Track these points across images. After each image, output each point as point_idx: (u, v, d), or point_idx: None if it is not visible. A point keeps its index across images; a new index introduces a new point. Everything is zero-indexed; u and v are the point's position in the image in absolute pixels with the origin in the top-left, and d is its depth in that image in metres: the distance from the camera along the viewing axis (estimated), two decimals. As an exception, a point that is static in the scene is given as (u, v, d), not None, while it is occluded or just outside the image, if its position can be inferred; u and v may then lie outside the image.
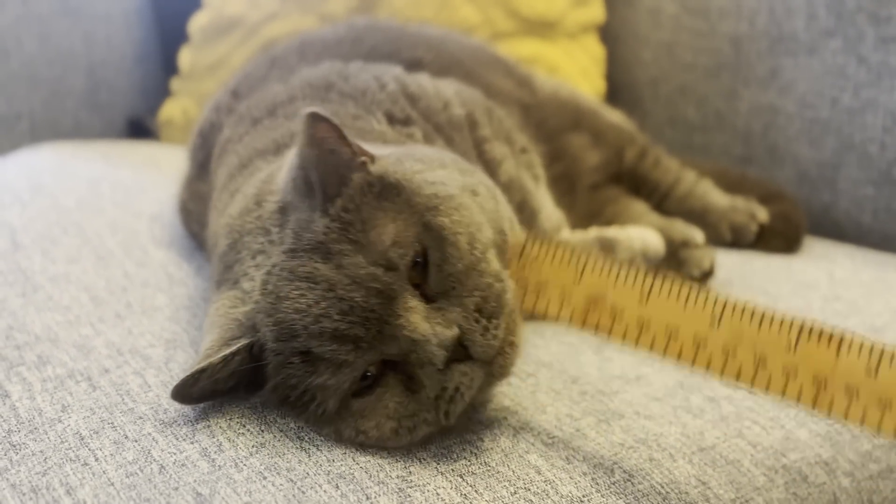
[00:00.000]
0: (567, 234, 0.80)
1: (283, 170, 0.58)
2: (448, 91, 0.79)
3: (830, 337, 0.48)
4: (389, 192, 0.53)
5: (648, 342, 0.51)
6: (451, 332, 0.50)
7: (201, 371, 0.52)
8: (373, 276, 0.50)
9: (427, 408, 0.52)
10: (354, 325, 0.50)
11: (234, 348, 0.52)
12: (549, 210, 0.80)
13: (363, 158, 0.54)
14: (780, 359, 0.48)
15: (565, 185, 0.84)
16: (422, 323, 0.50)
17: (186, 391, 0.53)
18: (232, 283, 0.57)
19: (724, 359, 0.49)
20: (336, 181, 0.53)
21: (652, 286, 0.52)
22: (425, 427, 0.52)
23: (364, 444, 0.53)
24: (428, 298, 0.52)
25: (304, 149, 0.53)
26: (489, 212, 0.56)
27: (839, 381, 0.47)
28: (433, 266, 0.52)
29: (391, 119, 0.73)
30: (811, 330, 0.48)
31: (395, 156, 0.57)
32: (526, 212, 0.75)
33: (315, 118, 0.51)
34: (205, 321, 0.58)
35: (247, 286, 0.55)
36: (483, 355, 0.51)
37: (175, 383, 0.52)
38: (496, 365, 0.52)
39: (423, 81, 0.79)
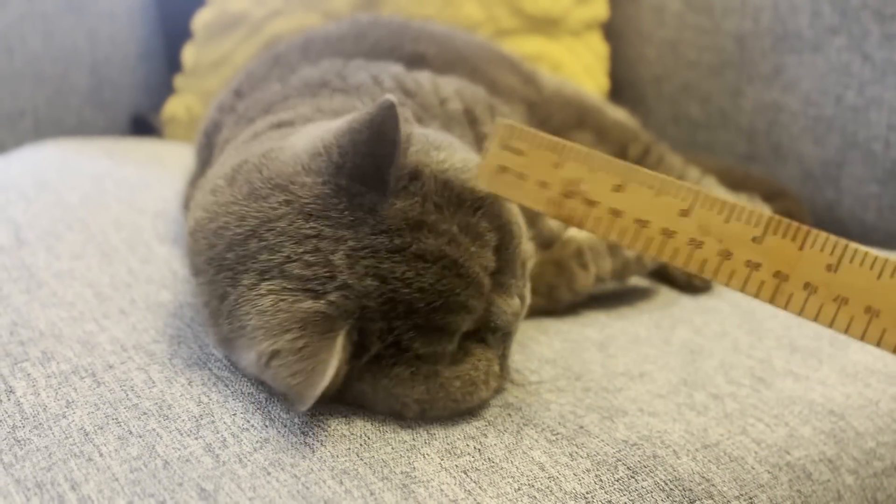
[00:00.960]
0: (574, 232, 0.80)
1: (320, 155, 0.56)
2: (448, 88, 0.78)
3: (797, 231, 0.48)
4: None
5: (618, 231, 0.52)
6: (518, 303, 0.59)
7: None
8: (479, 252, 0.56)
9: (494, 365, 0.59)
10: (473, 297, 0.55)
11: (341, 341, 0.51)
12: None
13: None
14: (744, 252, 0.48)
15: None
16: (497, 295, 0.57)
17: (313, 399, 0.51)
18: (262, 273, 0.54)
19: (690, 250, 0.50)
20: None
21: (628, 175, 0.52)
22: (494, 382, 0.59)
23: (452, 406, 0.57)
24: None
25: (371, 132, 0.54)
26: None
27: (800, 276, 0.47)
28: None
29: None
30: (779, 224, 0.48)
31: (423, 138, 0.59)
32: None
33: (389, 105, 0.53)
34: (248, 320, 0.54)
35: (305, 273, 0.53)
36: (524, 315, 0.61)
37: (303, 402, 0.50)
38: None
39: (421, 78, 0.78)
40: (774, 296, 0.47)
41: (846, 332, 0.46)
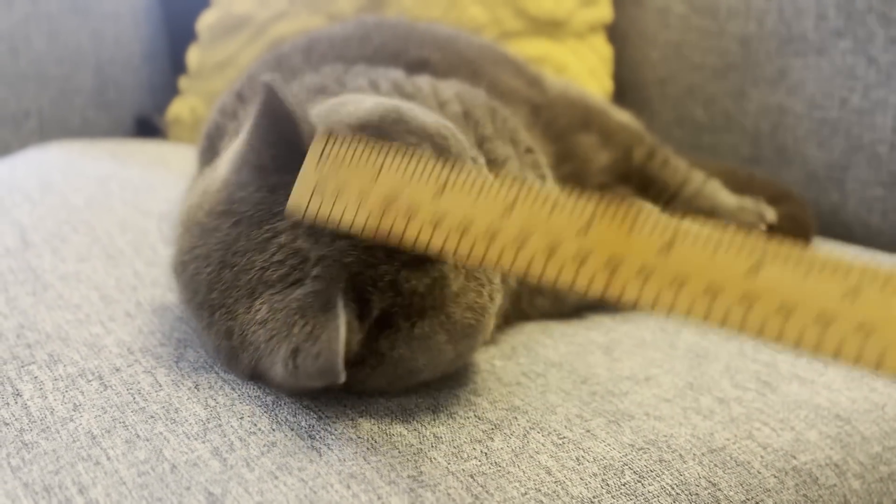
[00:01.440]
0: None
1: (242, 167, 0.59)
2: (447, 92, 0.78)
3: (624, 215, 0.44)
4: None
5: (441, 241, 0.48)
6: None
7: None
8: None
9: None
10: None
11: (340, 303, 0.52)
12: None
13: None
14: (572, 244, 0.45)
15: (574, 186, 0.84)
16: None
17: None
18: (249, 295, 0.56)
19: (515, 250, 0.46)
20: None
21: (448, 178, 0.48)
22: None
23: (471, 331, 0.58)
24: None
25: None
26: None
27: (632, 262, 0.44)
28: None
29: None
30: (605, 210, 0.45)
31: None
32: None
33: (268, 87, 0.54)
34: (260, 339, 0.55)
35: (282, 271, 0.55)
36: None
37: (335, 374, 0.50)
38: None
39: (420, 82, 0.78)
40: (607, 287, 0.44)
41: (688, 315, 0.42)
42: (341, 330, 0.50)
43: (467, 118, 0.75)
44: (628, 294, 0.43)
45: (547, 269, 0.45)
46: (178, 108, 1.31)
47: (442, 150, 0.58)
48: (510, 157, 0.75)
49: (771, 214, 0.97)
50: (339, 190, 0.51)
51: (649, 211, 0.45)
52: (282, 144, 0.55)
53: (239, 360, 0.57)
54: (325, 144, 0.52)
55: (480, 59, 0.94)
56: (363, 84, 0.76)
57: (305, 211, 0.52)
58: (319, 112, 0.60)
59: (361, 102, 0.61)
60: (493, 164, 0.74)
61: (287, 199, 0.53)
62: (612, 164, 0.96)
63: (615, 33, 1.33)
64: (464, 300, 0.57)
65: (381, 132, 0.57)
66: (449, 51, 0.92)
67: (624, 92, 1.32)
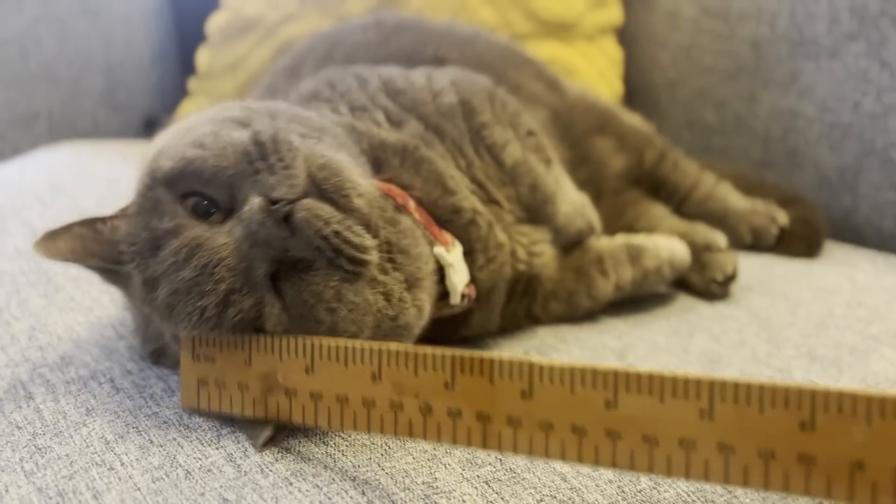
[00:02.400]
0: (594, 239, 0.80)
1: None
2: (443, 80, 0.76)
3: (482, 365, 0.45)
4: None
5: (325, 416, 0.50)
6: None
7: None
8: None
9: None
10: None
11: None
12: (567, 193, 0.78)
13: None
14: (442, 401, 0.46)
15: (590, 191, 0.83)
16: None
17: None
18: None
19: (393, 414, 0.48)
20: None
21: (314, 353, 0.50)
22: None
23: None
24: None
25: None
26: None
27: (500, 412, 0.45)
28: None
29: (353, 109, 0.71)
30: (463, 362, 0.46)
31: None
32: (538, 195, 0.74)
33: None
34: None
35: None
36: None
37: None
38: None
39: (415, 75, 0.76)
40: (485, 440, 0.45)
41: (563, 458, 0.44)
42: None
43: (463, 106, 0.74)
44: (504, 444, 0.45)
45: (427, 429, 0.47)
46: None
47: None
48: (510, 141, 0.74)
49: (783, 217, 0.97)
50: (221, 382, 0.53)
51: (504, 358, 0.45)
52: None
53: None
54: (193, 342, 0.54)
55: (501, 62, 0.93)
56: (351, 83, 0.74)
57: (198, 407, 0.55)
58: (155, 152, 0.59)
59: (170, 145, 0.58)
60: (493, 148, 0.73)
61: None
62: (626, 169, 0.96)
63: (625, 36, 1.32)
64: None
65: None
66: (468, 52, 0.91)
67: (634, 94, 1.32)
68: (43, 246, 0.56)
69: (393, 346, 0.48)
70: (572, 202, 0.78)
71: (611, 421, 0.42)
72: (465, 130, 0.73)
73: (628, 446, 0.42)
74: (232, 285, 0.51)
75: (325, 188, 0.53)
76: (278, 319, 0.52)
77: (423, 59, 0.85)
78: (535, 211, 0.74)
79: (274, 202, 0.51)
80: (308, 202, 0.52)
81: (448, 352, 0.46)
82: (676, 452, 0.41)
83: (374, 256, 0.54)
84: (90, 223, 0.57)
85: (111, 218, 0.57)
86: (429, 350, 0.47)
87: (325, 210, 0.52)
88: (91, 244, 0.57)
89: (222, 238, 0.52)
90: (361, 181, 0.55)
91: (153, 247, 0.53)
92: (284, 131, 0.56)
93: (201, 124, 0.58)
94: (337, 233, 0.52)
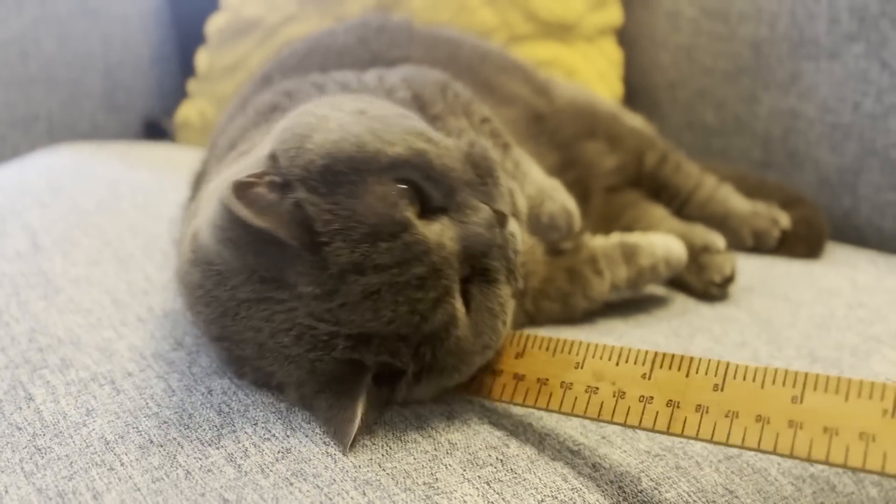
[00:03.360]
0: (588, 238, 0.80)
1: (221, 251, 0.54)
2: (393, 78, 0.76)
3: (681, 361, 0.52)
4: None
5: (522, 394, 0.57)
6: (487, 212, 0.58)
7: None
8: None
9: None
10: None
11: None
12: (530, 176, 0.76)
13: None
14: (636, 389, 0.52)
15: (578, 192, 0.83)
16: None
17: None
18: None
19: (587, 396, 0.54)
20: None
21: (526, 343, 0.59)
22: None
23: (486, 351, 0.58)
24: None
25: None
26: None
27: (691, 400, 0.50)
28: None
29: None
30: (663, 358, 0.52)
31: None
32: None
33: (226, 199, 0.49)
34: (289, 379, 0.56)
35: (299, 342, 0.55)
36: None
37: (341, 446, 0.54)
38: None
39: (368, 78, 0.76)
40: (670, 423, 0.50)
41: (742, 444, 0.47)
42: (356, 423, 0.52)
43: (416, 100, 0.73)
44: (688, 428, 0.49)
45: (616, 411, 0.52)
46: (187, 111, 1.31)
47: None
48: (464, 129, 0.74)
49: (785, 220, 0.97)
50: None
51: (702, 357, 0.51)
52: (258, 236, 0.51)
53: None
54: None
55: (485, 66, 0.93)
56: (309, 90, 0.73)
57: None
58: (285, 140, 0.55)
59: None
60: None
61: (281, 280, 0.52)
62: (620, 167, 0.95)
63: (625, 37, 1.32)
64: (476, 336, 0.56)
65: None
66: (451, 56, 0.91)
67: (634, 95, 1.32)
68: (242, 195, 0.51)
69: (598, 343, 0.56)
70: (537, 184, 0.76)
71: (794, 413, 0.47)
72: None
73: (808, 435, 0.46)
74: (450, 285, 0.52)
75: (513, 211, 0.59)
76: (465, 325, 0.54)
77: (388, 60, 0.84)
78: None
79: (495, 212, 0.55)
80: (512, 220, 0.57)
81: (651, 351, 0.53)
82: (855, 444, 0.44)
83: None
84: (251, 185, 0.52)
85: (266, 184, 0.52)
86: (632, 348, 0.54)
87: (518, 231, 0.58)
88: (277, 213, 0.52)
89: (447, 239, 0.52)
90: None
91: (370, 234, 0.50)
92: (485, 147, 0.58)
93: (369, 112, 0.56)
94: (516, 252, 0.57)
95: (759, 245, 0.96)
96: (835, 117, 1.09)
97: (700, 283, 0.83)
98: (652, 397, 0.51)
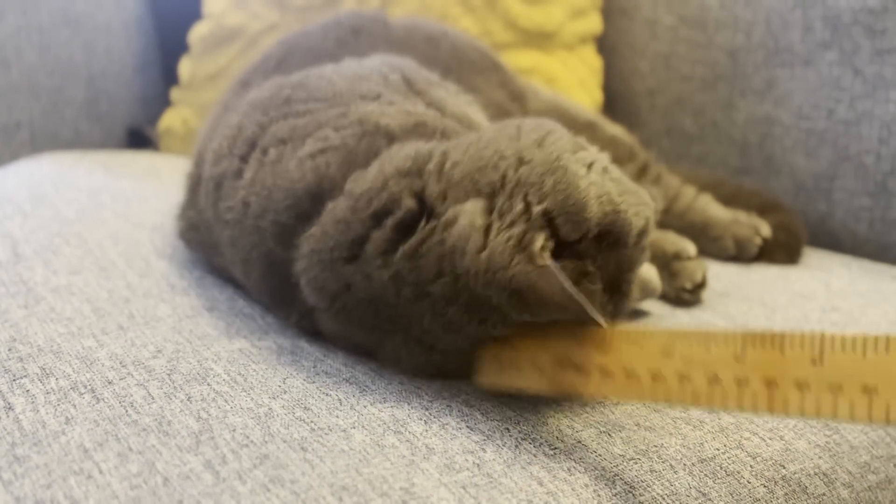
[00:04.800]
0: None
1: None
2: (375, 63, 0.78)
3: (773, 338, 0.48)
4: None
5: (613, 388, 0.54)
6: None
7: None
8: None
9: None
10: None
11: None
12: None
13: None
14: (730, 372, 0.49)
15: None
16: None
17: None
18: None
19: (680, 387, 0.51)
20: None
21: (611, 334, 0.55)
22: None
23: None
24: None
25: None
26: None
27: (789, 378, 0.47)
28: None
29: (365, 98, 0.71)
30: (755, 338, 0.49)
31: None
32: None
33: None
34: None
35: None
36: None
37: None
38: None
39: (352, 64, 0.77)
40: (771, 404, 0.48)
41: (851, 418, 0.45)
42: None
43: (405, 80, 0.75)
44: (791, 408, 0.47)
45: (713, 398, 0.50)
46: (170, 120, 1.31)
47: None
48: (444, 98, 0.75)
49: (765, 229, 0.98)
50: (513, 360, 0.59)
51: (795, 332, 0.48)
52: None
53: None
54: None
55: (461, 65, 0.93)
56: (317, 83, 0.74)
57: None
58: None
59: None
60: (438, 110, 0.74)
61: None
62: None
63: (605, 45, 1.34)
64: None
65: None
66: (429, 53, 0.90)
67: (613, 103, 1.33)
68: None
69: (686, 329, 0.53)
70: None
71: None
72: (414, 97, 0.74)
73: None
74: None
75: None
76: None
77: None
78: None
79: None
80: None
81: (740, 330, 0.50)
82: None
83: None
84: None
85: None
86: (720, 329, 0.51)
87: None
88: None
89: None
90: None
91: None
92: None
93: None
94: None
95: (740, 253, 0.97)
96: (810, 124, 1.11)
97: (672, 289, 0.85)
98: (748, 378, 0.48)
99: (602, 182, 0.58)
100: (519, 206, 0.56)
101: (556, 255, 0.56)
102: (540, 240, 0.55)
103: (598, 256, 0.58)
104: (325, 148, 0.65)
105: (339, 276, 0.61)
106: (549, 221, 0.56)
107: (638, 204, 0.60)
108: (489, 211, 0.57)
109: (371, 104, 0.69)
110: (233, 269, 0.74)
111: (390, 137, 0.65)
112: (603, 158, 0.62)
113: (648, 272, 0.81)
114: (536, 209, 0.56)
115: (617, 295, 0.60)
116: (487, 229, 0.56)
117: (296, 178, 0.64)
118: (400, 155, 0.63)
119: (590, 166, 0.59)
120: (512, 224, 0.56)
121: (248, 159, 0.69)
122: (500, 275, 0.55)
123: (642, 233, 0.60)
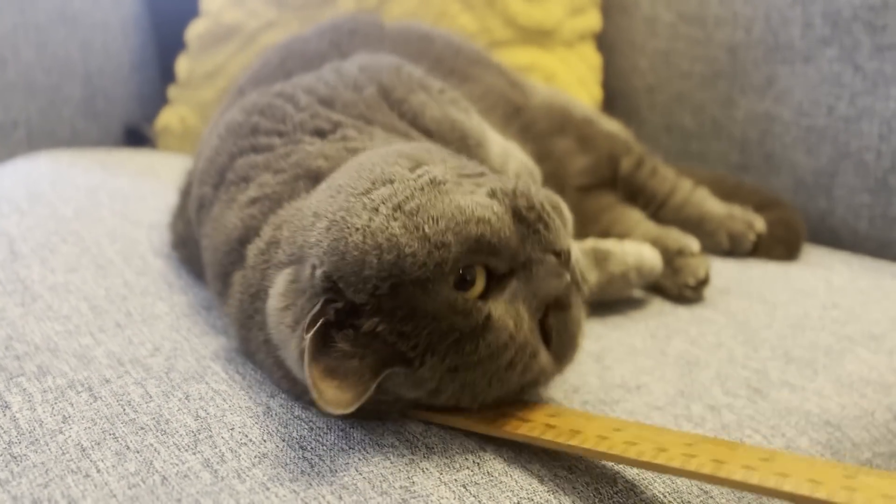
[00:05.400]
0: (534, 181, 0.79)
1: None
2: (351, 69, 0.76)
3: (726, 441, 0.51)
4: None
5: (553, 434, 0.54)
6: None
7: None
8: None
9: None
10: None
11: None
12: (493, 136, 0.77)
13: None
14: (679, 449, 0.50)
15: (554, 186, 0.84)
16: None
17: None
18: None
19: (624, 447, 0.51)
20: None
21: (555, 412, 0.57)
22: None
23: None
24: None
25: None
26: None
27: (737, 464, 0.48)
28: None
29: (320, 133, 0.69)
30: (707, 438, 0.52)
31: None
32: (469, 142, 0.73)
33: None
34: None
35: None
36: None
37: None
38: None
39: (329, 77, 0.76)
40: (716, 473, 0.48)
41: (797, 492, 0.45)
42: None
43: (381, 91, 0.74)
44: (737, 477, 0.47)
45: (657, 458, 0.50)
46: (168, 118, 1.31)
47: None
48: (425, 103, 0.74)
49: (760, 224, 0.97)
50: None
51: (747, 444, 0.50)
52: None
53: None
54: None
55: (458, 59, 0.93)
56: (284, 106, 0.72)
57: None
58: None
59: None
60: (416, 117, 0.73)
61: None
62: (590, 168, 0.96)
63: (604, 42, 1.33)
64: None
65: None
66: (420, 50, 0.90)
67: (613, 100, 1.33)
68: None
69: (640, 422, 0.57)
70: (500, 144, 0.77)
71: (848, 483, 0.45)
72: (392, 113, 0.73)
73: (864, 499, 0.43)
74: (535, 347, 0.55)
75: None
76: (548, 362, 0.57)
77: None
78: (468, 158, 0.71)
79: (557, 254, 0.55)
80: (573, 245, 0.58)
81: (695, 434, 0.53)
82: None
83: None
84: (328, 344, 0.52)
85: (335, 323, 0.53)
86: (674, 430, 0.54)
87: (577, 250, 0.59)
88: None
89: (523, 314, 0.54)
90: None
91: (456, 342, 0.52)
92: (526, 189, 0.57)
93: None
94: (579, 269, 0.59)
95: (734, 248, 0.97)
96: (810, 120, 1.11)
97: (675, 285, 0.84)
98: (696, 455, 0.49)
99: (386, 226, 0.52)
100: (307, 272, 0.54)
101: (351, 316, 0.52)
102: (311, 315, 0.51)
103: (398, 308, 0.51)
104: (258, 197, 0.65)
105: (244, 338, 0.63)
106: (331, 285, 0.52)
107: (449, 229, 0.52)
108: (293, 280, 0.55)
109: (317, 143, 0.68)
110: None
111: (317, 179, 0.63)
112: (402, 191, 0.54)
113: (640, 251, 0.80)
114: (318, 274, 0.53)
115: (468, 342, 0.52)
116: (284, 307, 0.55)
117: (230, 227, 0.65)
118: (269, 229, 0.62)
119: (376, 209, 0.53)
120: (302, 293, 0.54)
121: (219, 190, 0.69)
122: (288, 352, 0.55)
123: (459, 258, 0.52)
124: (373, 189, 0.55)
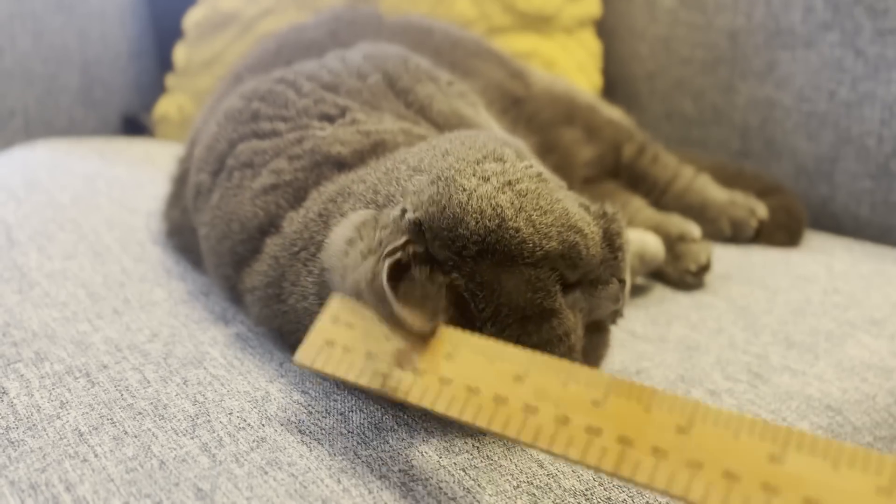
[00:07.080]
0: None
1: None
2: (356, 58, 0.76)
3: (641, 393, 0.43)
4: None
5: (445, 402, 0.47)
6: None
7: None
8: None
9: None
10: None
11: None
12: (498, 132, 0.76)
13: None
14: (583, 417, 0.44)
15: (561, 177, 0.83)
16: None
17: None
18: None
19: (523, 417, 0.45)
20: None
21: (457, 341, 0.49)
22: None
23: None
24: None
25: None
26: None
27: (647, 440, 0.42)
28: None
29: (329, 118, 0.69)
30: (621, 385, 0.44)
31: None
32: None
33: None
34: None
35: None
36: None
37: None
38: None
39: (332, 65, 0.75)
40: (619, 464, 0.42)
41: (704, 501, 0.39)
42: None
43: (386, 79, 0.73)
44: (639, 473, 0.41)
45: (556, 439, 0.44)
46: (166, 106, 1.30)
47: None
48: (433, 95, 0.74)
49: (762, 210, 0.97)
50: (349, 348, 0.51)
51: (666, 393, 0.43)
52: None
53: None
54: (341, 306, 0.53)
55: (457, 51, 0.93)
56: (285, 91, 0.72)
57: (312, 366, 0.52)
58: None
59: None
60: (423, 108, 0.73)
61: None
62: (597, 159, 0.96)
63: (604, 28, 1.33)
64: None
65: None
66: (419, 42, 0.90)
67: (613, 86, 1.32)
68: None
69: (547, 356, 0.47)
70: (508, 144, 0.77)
71: (771, 475, 0.39)
72: (398, 102, 0.73)
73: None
74: (578, 355, 0.56)
75: None
76: None
77: None
78: None
79: (621, 281, 0.58)
80: (628, 277, 0.60)
81: (606, 374, 0.45)
82: None
83: None
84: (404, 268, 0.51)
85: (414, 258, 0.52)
86: (585, 368, 0.46)
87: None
88: None
89: (579, 322, 0.55)
90: None
91: (522, 318, 0.53)
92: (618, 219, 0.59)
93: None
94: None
95: (736, 234, 0.97)
96: (811, 106, 1.10)
97: (676, 271, 0.84)
98: (601, 429, 0.43)
99: (494, 196, 0.53)
100: (396, 213, 0.53)
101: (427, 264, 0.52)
102: (392, 245, 0.51)
103: (479, 273, 0.52)
104: (277, 184, 0.64)
105: (274, 313, 0.62)
106: (418, 231, 0.52)
107: (554, 225, 0.53)
108: (375, 220, 0.55)
109: (328, 128, 0.67)
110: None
111: (341, 166, 0.63)
112: (512, 171, 0.55)
113: (643, 239, 0.80)
114: (409, 216, 0.53)
115: (532, 323, 0.53)
116: (355, 238, 0.54)
117: (249, 215, 0.64)
118: (322, 198, 0.61)
119: (486, 179, 0.54)
120: (384, 228, 0.53)
121: (218, 177, 0.69)
122: (352, 276, 0.53)
123: (552, 255, 0.53)
124: (484, 161, 0.56)
